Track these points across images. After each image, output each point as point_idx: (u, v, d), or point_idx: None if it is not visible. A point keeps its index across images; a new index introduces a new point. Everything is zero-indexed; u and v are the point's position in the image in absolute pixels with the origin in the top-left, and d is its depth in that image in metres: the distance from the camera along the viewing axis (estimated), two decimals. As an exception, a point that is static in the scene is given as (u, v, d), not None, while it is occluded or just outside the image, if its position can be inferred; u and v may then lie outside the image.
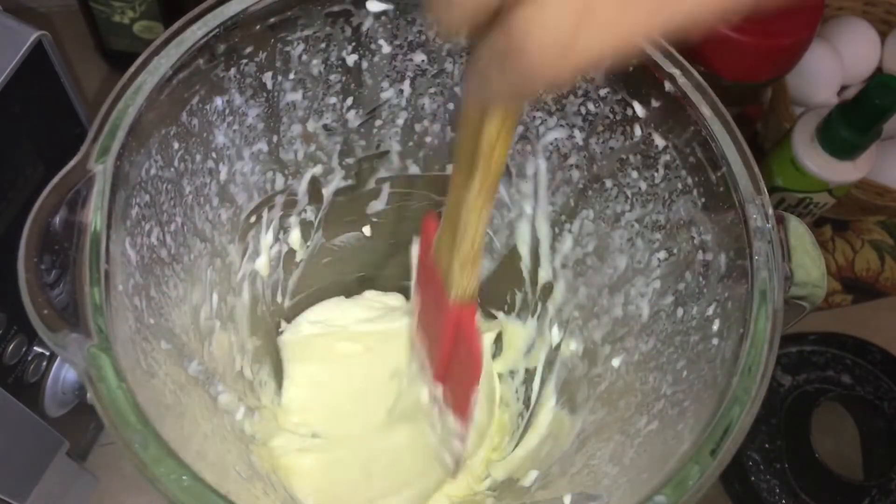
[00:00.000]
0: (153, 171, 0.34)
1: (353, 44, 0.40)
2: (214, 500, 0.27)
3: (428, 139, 0.45)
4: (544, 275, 0.47)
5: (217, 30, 0.34)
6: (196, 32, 0.34)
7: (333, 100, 0.42)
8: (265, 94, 0.39)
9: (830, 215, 0.65)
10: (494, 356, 0.52)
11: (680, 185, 0.37)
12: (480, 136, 0.28)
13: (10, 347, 0.40)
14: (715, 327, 0.34)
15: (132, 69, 0.33)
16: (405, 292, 0.53)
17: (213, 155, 0.38)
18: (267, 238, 0.45)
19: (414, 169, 0.47)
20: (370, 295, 0.53)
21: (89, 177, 0.30)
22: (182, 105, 0.35)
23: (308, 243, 0.48)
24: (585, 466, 0.38)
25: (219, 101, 0.37)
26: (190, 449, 0.30)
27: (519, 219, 0.46)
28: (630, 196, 0.39)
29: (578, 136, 0.41)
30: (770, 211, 0.34)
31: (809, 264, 0.34)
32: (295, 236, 0.47)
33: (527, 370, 0.50)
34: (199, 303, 0.39)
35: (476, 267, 0.35)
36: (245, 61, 0.37)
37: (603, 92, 0.38)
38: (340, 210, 0.48)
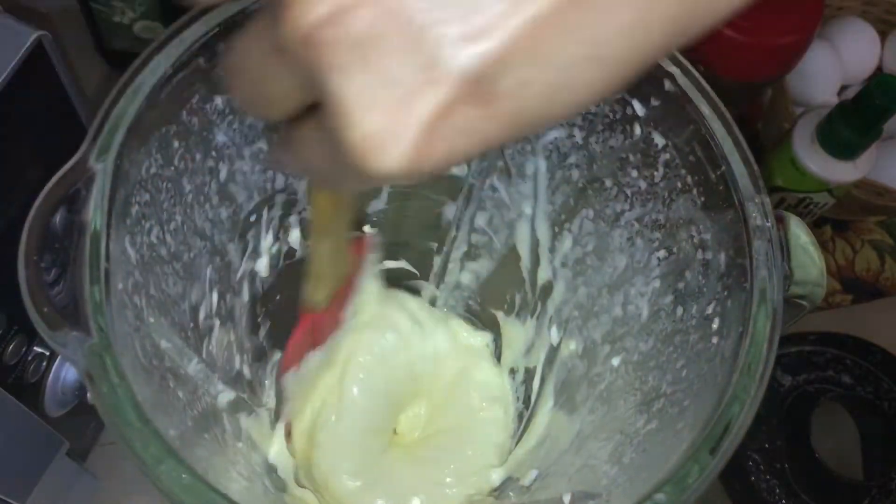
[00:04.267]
0: (153, 170, 0.34)
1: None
2: (215, 499, 0.27)
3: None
4: (544, 274, 0.47)
5: (217, 29, 0.34)
6: (196, 32, 0.34)
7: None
8: (265, 94, 0.39)
9: (830, 215, 0.66)
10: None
11: (679, 184, 0.37)
12: (313, 201, 0.29)
13: (10, 347, 0.40)
14: (714, 326, 0.34)
15: (132, 68, 0.33)
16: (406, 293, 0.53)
17: (213, 154, 0.38)
18: (267, 237, 0.45)
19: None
20: None
21: (89, 176, 0.30)
22: (182, 104, 0.35)
23: (308, 243, 0.48)
24: (585, 465, 0.38)
25: (219, 100, 0.37)
26: (190, 448, 0.30)
27: (518, 219, 0.46)
28: (630, 195, 0.39)
29: (578, 136, 0.41)
30: (769, 210, 0.34)
31: (809, 263, 0.34)
32: (295, 235, 0.47)
33: (526, 370, 0.50)
34: (199, 301, 0.39)
35: (320, 286, 0.40)
36: (245, 61, 0.37)
37: (602, 91, 0.38)
38: (340, 210, 0.48)
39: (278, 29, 0.17)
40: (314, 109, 0.19)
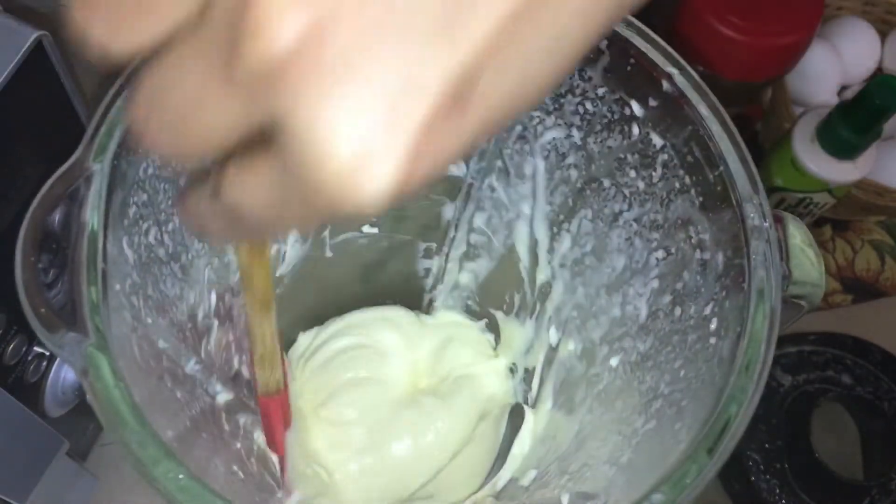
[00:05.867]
0: (151, 171, 0.34)
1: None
2: (212, 500, 0.27)
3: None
4: (542, 275, 0.47)
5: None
6: (195, 32, 0.34)
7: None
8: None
9: (830, 215, 0.65)
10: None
11: (678, 185, 0.37)
12: (244, 266, 0.28)
13: (10, 347, 0.40)
14: (712, 326, 0.34)
15: (131, 68, 0.33)
16: (405, 294, 0.53)
17: (212, 154, 0.38)
18: (266, 238, 0.45)
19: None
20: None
21: (87, 175, 0.30)
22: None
23: (307, 242, 0.49)
24: (584, 466, 0.38)
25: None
26: (188, 448, 0.30)
27: (517, 219, 0.46)
28: (628, 195, 0.39)
29: (576, 136, 0.41)
30: (768, 210, 0.34)
31: (807, 264, 0.34)
32: (294, 236, 0.47)
33: (526, 370, 0.50)
34: (197, 302, 0.39)
35: (274, 365, 0.36)
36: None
37: (601, 91, 0.38)
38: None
39: (230, 56, 0.15)
40: (254, 145, 0.17)
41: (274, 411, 0.39)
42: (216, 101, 0.16)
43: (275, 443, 0.41)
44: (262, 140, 0.16)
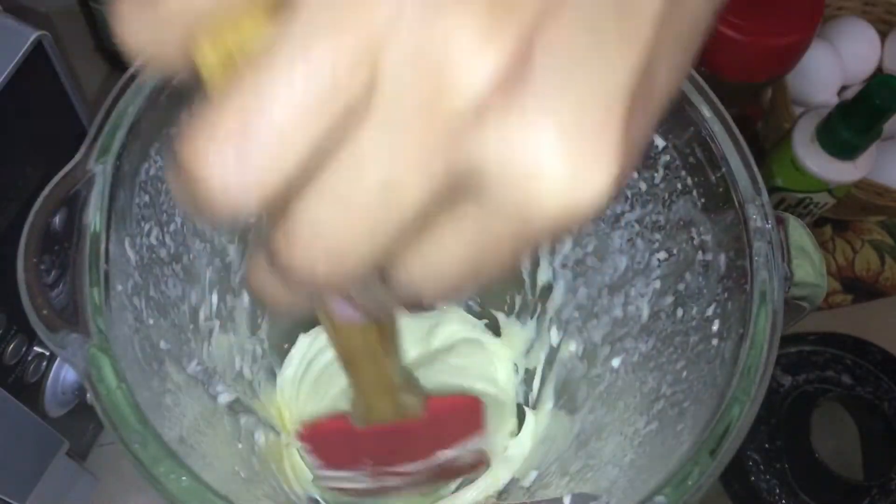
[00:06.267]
0: (153, 172, 0.34)
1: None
2: (213, 500, 0.27)
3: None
4: (544, 275, 0.47)
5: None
6: (196, 32, 0.34)
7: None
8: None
9: (830, 215, 0.65)
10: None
11: (680, 186, 0.37)
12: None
13: (10, 347, 0.40)
14: (714, 328, 0.34)
15: (132, 69, 0.33)
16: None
17: (213, 155, 0.38)
18: (267, 238, 0.45)
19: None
20: None
21: (89, 177, 0.30)
22: (182, 105, 0.35)
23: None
24: (585, 466, 0.38)
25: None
26: (189, 449, 0.30)
27: (518, 219, 0.46)
28: (630, 196, 0.39)
29: (578, 137, 0.40)
30: (770, 211, 0.34)
31: (809, 265, 0.34)
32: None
33: (527, 370, 0.50)
34: (199, 303, 0.39)
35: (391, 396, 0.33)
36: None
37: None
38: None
39: (426, 121, 0.14)
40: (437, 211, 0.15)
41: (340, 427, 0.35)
42: (413, 177, 0.14)
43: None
44: (447, 201, 0.15)
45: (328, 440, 0.37)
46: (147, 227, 0.34)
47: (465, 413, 0.37)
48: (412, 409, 0.34)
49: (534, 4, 0.14)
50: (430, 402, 0.35)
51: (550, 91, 0.14)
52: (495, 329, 0.52)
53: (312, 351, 0.51)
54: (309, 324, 0.52)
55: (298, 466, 0.46)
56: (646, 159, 0.38)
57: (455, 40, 0.13)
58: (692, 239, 0.36)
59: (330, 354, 0.50)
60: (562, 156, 0.14)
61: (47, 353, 0.44)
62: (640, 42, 0.15)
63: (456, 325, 0.52)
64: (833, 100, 0.66)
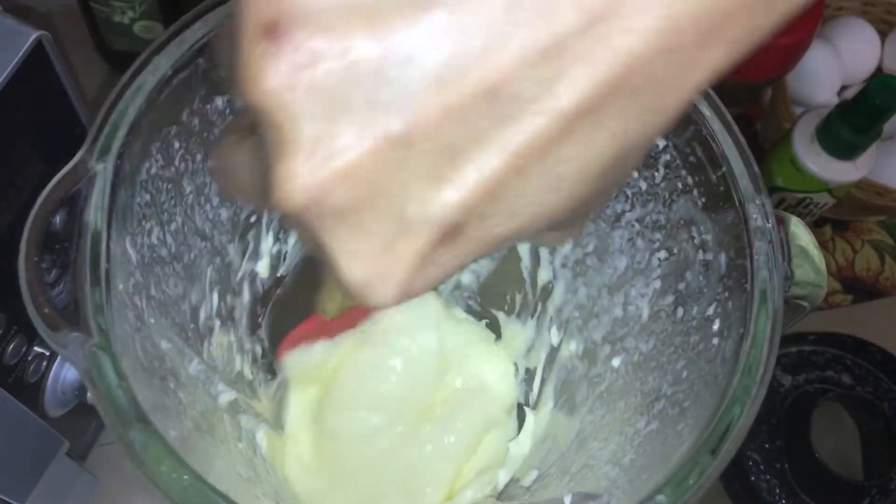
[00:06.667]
0: (153, 171, 0.34)
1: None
2: (215, 500, 0.27)
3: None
4: (544, 275, 0.47)
5: (217, 29, 0.34)
6: (196, 32, 0.34)
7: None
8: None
9: (830, 215, 0.66)
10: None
11: (680, 185, 0.37)
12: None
13: (10, 347, 0.40)
14: (715, 327, 0.34)
15: (132, 69, 0.33)
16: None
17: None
18: (267, 238, 0.45)
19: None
20: None
21: (90, 176, 0.30)
22: (183, 104, 0.35)
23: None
24: (585, 466, 0.38)
25: (219, 101, 0.37)
26: (190, 448, 0.30)
27: (519, 219, 0.46)
28: (630, 196, 0.39)
29: (578, 136, 0.40)
30: (770, 211, 0.34)
31: (809, 264, 0.34)
32: (295, 237, 0.47)
33: (527, 370, 0.50)
34: (199, 302, 0.39)
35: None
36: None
37: (603, 92, 0.38)
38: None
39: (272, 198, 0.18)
40: None
41: (312, 322, 0.43)
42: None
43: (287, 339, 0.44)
44: None
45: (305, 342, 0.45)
46: (148, 226, 0.34)
47: None
48: None
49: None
50: None
51: (353, 219, 0.18)
52: (495, 329, 0.52)
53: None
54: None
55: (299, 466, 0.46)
56: (646, 158, 0.38)
57: None
58: (692, 238, 0.36)
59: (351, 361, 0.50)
60: (354, 272, 0.18)
61: (47, 353, 0.44)
62: (464, 189, 0.17)
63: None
64: (833, 100, 0.66)
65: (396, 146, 0.16)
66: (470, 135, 0.16)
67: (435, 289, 0.52)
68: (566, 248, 0.45)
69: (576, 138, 0.17)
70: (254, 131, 0.19)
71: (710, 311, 0.35)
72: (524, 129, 0.16)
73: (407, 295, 0.19)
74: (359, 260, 0.18)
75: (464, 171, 0.17)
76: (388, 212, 0.17)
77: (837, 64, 0.66)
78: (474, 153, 0.17)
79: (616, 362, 0.41)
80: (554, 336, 0.47)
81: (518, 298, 0.50)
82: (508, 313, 0.51)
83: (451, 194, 0.17)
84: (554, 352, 0.47)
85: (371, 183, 0.17)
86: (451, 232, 0.18)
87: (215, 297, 0.41)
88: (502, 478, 0.46)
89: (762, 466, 0.55)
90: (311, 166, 0.17)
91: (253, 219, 0.43)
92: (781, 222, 0.35)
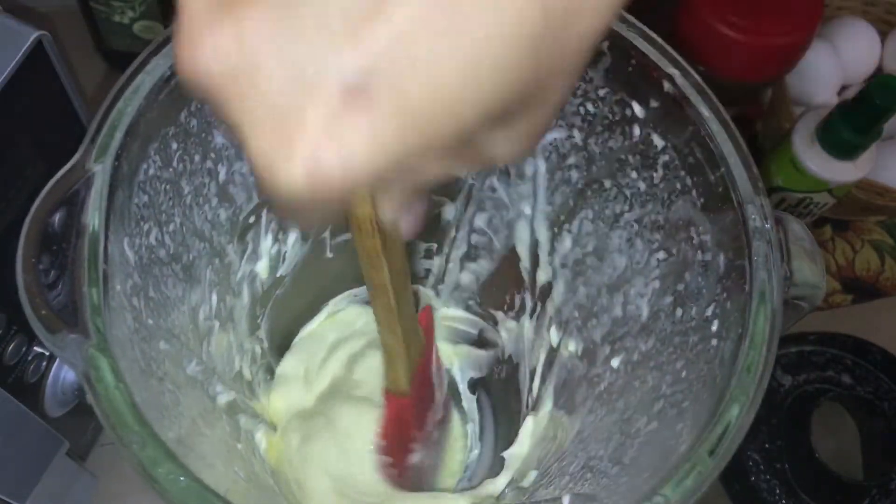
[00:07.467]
0: (152, 172, 0.34)
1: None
2: (213, 501, 0.27)
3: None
4: (543, 275, 0.47)
5: None
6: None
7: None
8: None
9: (830, 215, 0.65)
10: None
11: (679, 186, 0.37)
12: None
13: (10, 347, 0.40)
14: (714, 328, 0.34)
15: (131, 69, 0.33)
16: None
17: (212, 155, 0.38)
18: (266, 239, 0.45)
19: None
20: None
21: (88, 177, 0.30)
22: (181, 105, 0.35)
23: (308, 243, 0.48)
24: (584, 467, 0.38)
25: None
26: (189, 450, 0.30)
27: (517, 219, 0.46)
28: (629, 196, 0.39)
29: (577, 137, 0.40)
30: (769, 211, 0.34)
31: (808, 265, 0.34)
32: (294, 236, 0.47)
33: (527, 370, 0.50)
34: (198, 303, 0.39)
35: (401, 361, 0.36)
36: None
37: (602, 92, 0.38)
38: (340, 210, 0.48)
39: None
40: None
41: (391, 412, 0.39)
42: None
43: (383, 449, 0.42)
44: None
45: (399, 432, 0.42)
46: (146, 226, 0.34)
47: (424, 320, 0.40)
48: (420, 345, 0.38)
49: None
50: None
51: (252, 83, 0.17)
52: (495, 329, 0.52)
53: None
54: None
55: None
56: (645, 159, 0.38)
57: None
58: (691, 239, 0.36)
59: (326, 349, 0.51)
60: (256, 149, 0.17)
61: (47, 353, 0.44)
62: (366, 45, 0.16)
63: None
64: (833, 100, 0.66)
65: (292, 13, 0.16)
66: None
67: (435, 290, 0.52)
68: (566, 247, 0.45)
69: None
70: None
71: (709, 311, 0.35)
72: None
73: (321, 176, 0.17)
74: (262, 129, 0.17)
75: (361, 31, 0.16)
76: (286, 74, 0.16)
77: (837, 64, 0.65)
78: (372, 12, 0.16)
79: (615, 362, 0.41)
80: (553, 336, 0.47)
81: (517, 298, 0.50)
82: (508, 313, 0.51)
83: (349, 51, 0.16)
84: (553, 352, 0.47)
85: (266, 45, 0.16)
86: (355, 93, 0.16)
87: (214, 297, 0.41)
88: (502, 479, 0.46)
89: (762, 466, 0.55)
90: (201, 34, 0.17)
91: (252, 219, 0.43)
92: (780, 223, 0.34)
